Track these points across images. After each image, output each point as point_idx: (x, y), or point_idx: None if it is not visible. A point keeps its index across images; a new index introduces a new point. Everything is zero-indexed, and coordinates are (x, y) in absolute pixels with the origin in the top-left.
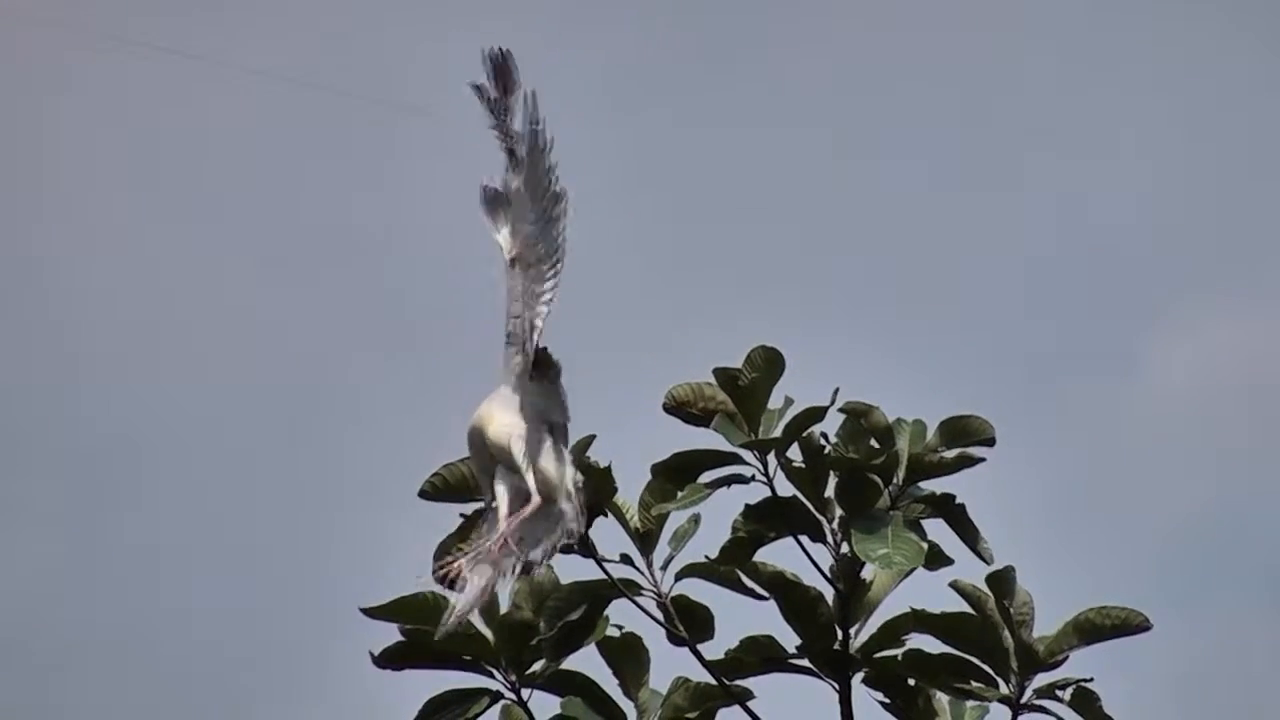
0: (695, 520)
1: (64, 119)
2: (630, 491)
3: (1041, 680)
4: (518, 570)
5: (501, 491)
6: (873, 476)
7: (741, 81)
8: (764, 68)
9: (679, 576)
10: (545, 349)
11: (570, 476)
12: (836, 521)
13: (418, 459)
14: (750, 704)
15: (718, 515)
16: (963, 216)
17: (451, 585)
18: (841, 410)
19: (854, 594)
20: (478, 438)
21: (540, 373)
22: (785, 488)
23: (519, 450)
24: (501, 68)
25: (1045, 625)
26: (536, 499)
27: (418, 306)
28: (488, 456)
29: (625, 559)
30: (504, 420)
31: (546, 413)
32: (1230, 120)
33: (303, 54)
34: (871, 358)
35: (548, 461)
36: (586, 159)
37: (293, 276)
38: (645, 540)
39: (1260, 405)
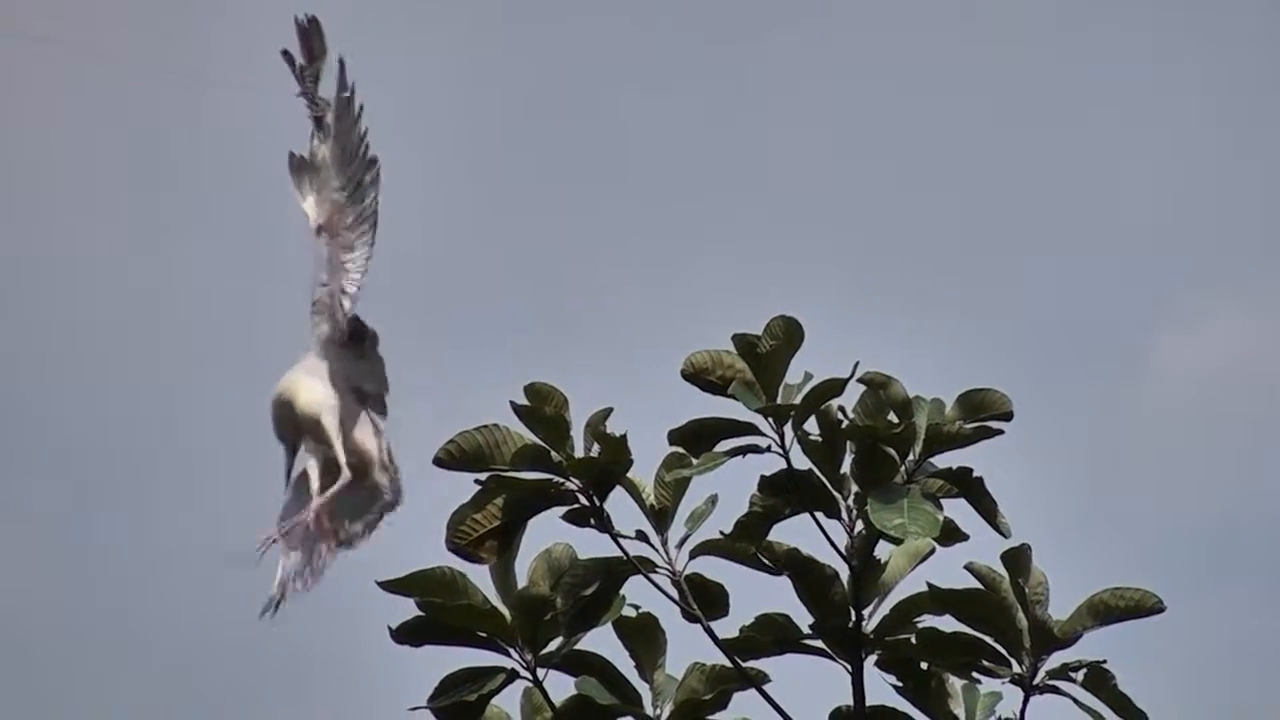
0: (712, 501)
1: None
2: (644, 470)
3: (1055, 661)
4: (336, 545)
5: (313, 465)
6: (889, 450)
7: (758, 67)
8: (775, 56)
9: (694, 554)
10: (357, 317)
11: (384, 448)
12: (852, 498)
13: (429, 431)
14: (765, 686)
15: (733, 496)
16: (966, 215)
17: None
18: (861, 380)
19: (868, 573)
20: (285, 410)
21: (354, 341)
22: (802, 462)
23: (330, 424)
24: (308, 34)
25: (1056, 615)
26: (347, 474)
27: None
28: (297, 429)
29: (640, 535)
30: (313, 392)
31: (359, 381)
32: (1236, 119)
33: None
34: (873, 356)
35: (361, 434)
36: (600, 139)
37: (294, 276)
38: (660, 517)
39: (1263, 401)
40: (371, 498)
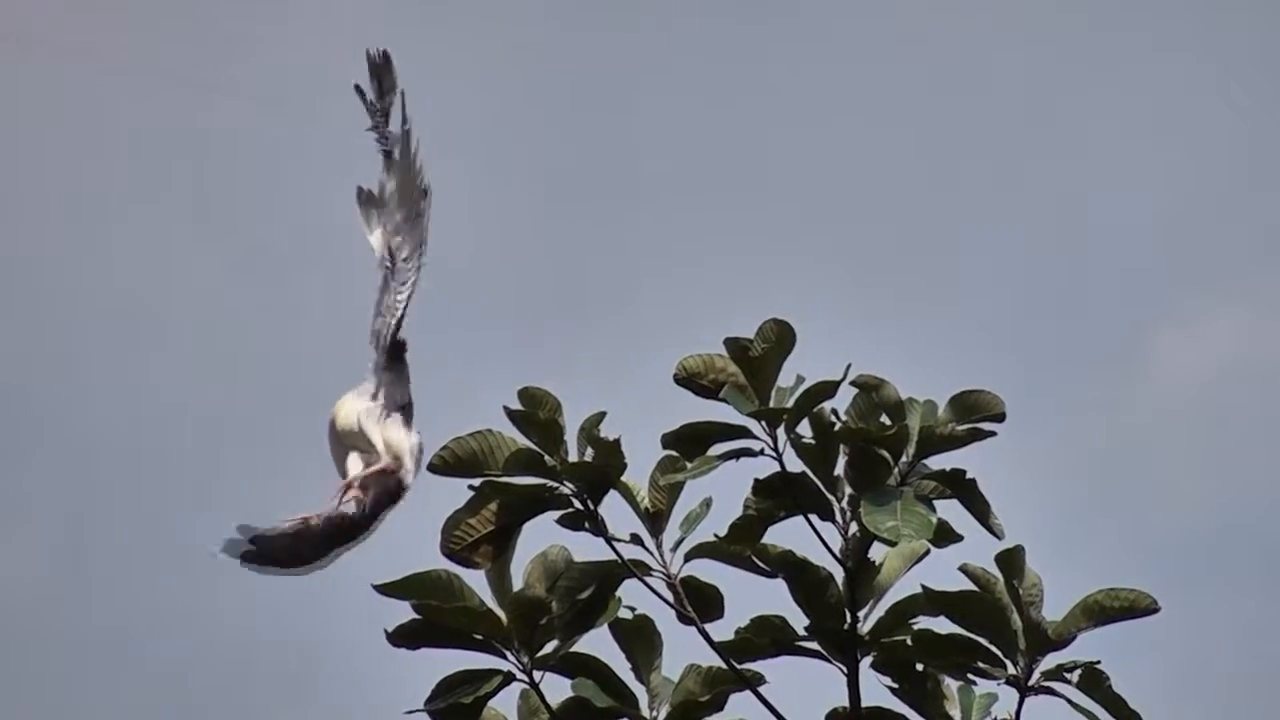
0: (707, 504)
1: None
2: (638, 473)
3: (1050, 662)
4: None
5: (356, 467)
6: (882, 452)
7: (753, 66)
8: (777, 54)
9: (688, 557)
10: (399, 338)
11: (415, 442)
12: (846, 500)
13: (423, 436)
14: (761, 688)
15: (728, 499)
16: (965, 215)
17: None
18: (853, 384)
19: (863, 575)
20: (331, 428)
21: (392, 359)
22: (795, 465)
23: (367, 425)
24: (380, 69)
25: (1051, 616)
26: (386, 459)
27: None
28: (342, 445)
29: (635, 539)
30: (351, 406)
31: (398, 397)
32: (1236, 118)
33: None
34: (871, 357)
35: (393, 432)
36: (595, 142)
37: (292, 278)
38: (655, 520)
39: (1262, 400)
40: (395, 484)
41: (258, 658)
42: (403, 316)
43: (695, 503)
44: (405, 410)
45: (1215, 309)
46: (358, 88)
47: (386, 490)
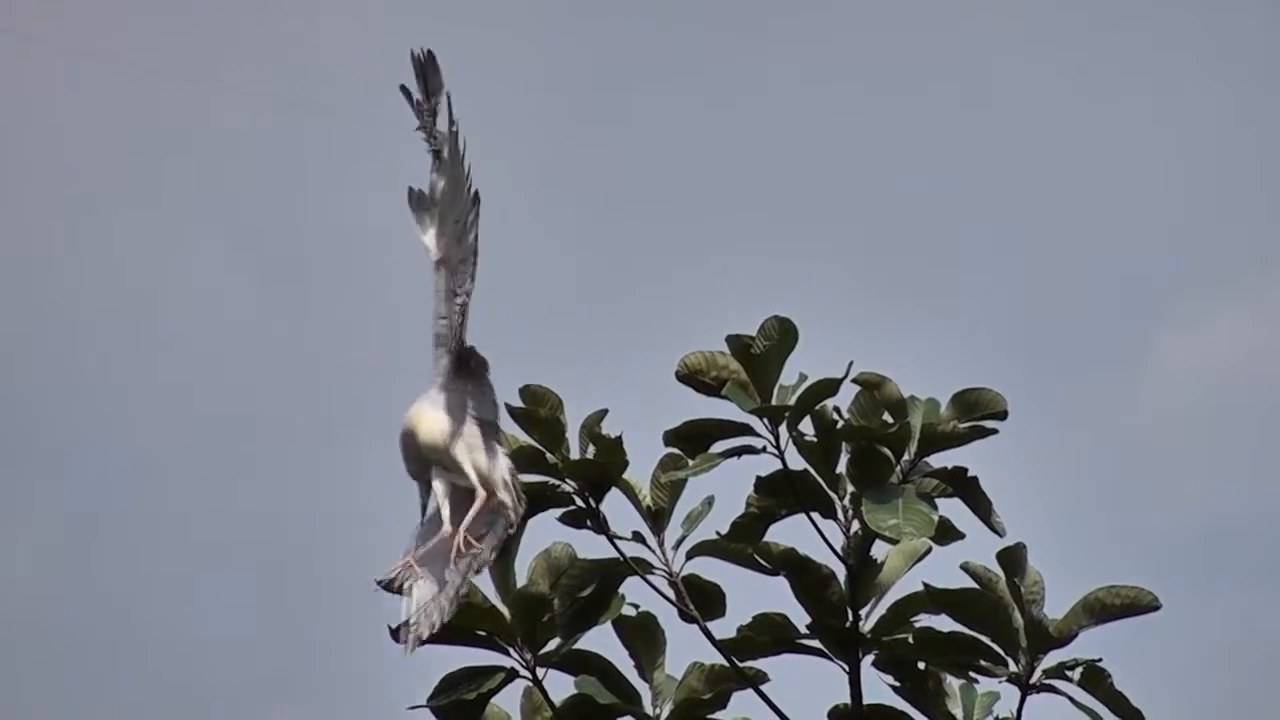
0: (708, 502)
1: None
2: (640, 471)
3: (1052, 659)
4: (474, 568)
5: (441, 491)
6: (884, 450)
7: (753, 67)
8: (777, 54)
9: (690, 555)
10: (471, 346)
11: (505, 467)
12: (848, 498)
13: None
14: (763, 686)
15: (730, 497)
16: (965, 215)
17: (398, 590)
18: (855, 381)
19: (865, 573)
20: (410, 440)
21: (467, 370)
22: (798, 463)
23: (455, 448)
24: (425, 69)
25: (1053, 614)
26: (482, 494)
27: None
28: (422, 459)
29: (637, 537)
30: (433, 419)
31: (476, 409)
32: (1237, 118)
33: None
34: (872, 357)
35: (481, 455)
36: (594, 141)
37: (290, 278)
38: (657, 518)
39: (1262, 401)
40: (496, 516)
41: (258, 657)
42: (464, 323)
43: (697, 500)
44: (488, 428)
45: (1215, 310)
46: (403, 88)
47: (501, 533)
